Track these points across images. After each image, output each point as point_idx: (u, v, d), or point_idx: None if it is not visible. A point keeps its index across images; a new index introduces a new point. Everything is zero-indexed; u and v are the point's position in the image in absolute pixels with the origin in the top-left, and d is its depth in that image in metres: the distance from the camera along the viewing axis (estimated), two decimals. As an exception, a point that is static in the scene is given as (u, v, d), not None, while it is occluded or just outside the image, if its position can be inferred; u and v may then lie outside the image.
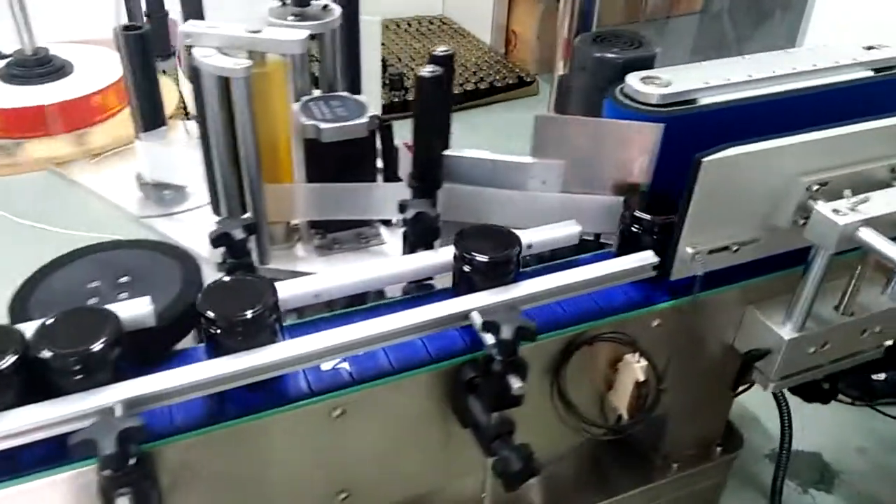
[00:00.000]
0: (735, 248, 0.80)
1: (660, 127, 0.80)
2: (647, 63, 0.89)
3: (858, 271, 0.85)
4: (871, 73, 0.91)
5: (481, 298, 0.70)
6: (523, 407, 0.70)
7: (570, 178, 0.86)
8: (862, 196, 0.76)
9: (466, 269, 0.71)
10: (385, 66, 3.18)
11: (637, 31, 0.92)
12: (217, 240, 0.70)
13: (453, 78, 0.83)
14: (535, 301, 0.74)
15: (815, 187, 0.79)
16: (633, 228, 0.80)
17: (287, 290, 0.69)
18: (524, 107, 3.53)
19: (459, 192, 0.86)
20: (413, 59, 3.38)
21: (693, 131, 0.83)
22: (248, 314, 0.62)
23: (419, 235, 0.78)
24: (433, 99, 0.76)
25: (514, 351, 0.66)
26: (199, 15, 1.08)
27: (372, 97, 1.02)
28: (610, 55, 0.88)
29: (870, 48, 0.94)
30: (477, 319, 0.68)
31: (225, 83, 0.81)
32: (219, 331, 0.62)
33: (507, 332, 0.65)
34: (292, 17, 0.88)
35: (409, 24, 3.68)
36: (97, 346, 0.58)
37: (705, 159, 0.73)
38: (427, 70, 0.75)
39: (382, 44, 3.49)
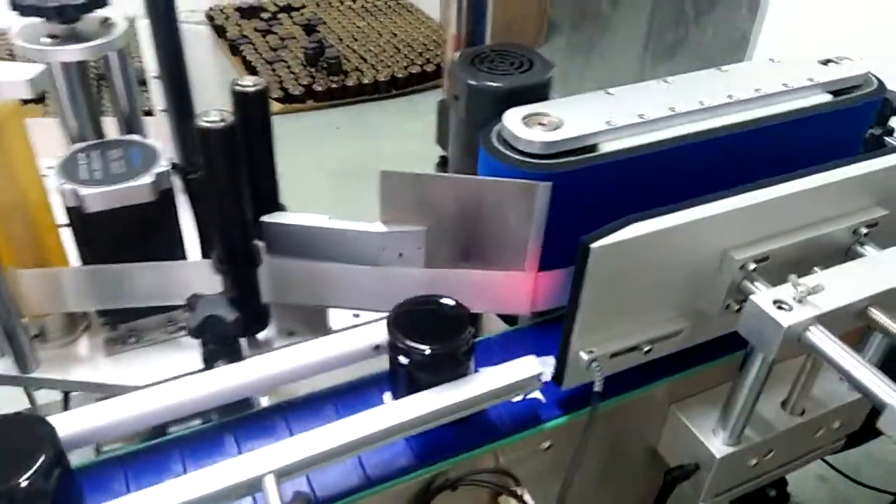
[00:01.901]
0: (647, 347, 0.60)
1: (543, 187, 0.60)
2: (537, 91, 0.68)
3: (810, 362, 0.66)
4: (827, 98, 0.71)
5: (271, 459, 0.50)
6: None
7: (435, 248, 0.65)
8: (813, 281, 0.56)
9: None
10: (322, 49, 2.93)
11: (532, 49, 0.71)
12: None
13: (269, 116, 0.61)
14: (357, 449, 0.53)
15: (752, 266, 0.59)
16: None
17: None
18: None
19: (290, 268, 0.65)
20: (356, 40, 3.12)
21: (592, 190, 0.63)
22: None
23: (216, 344, 0.57)
24: (224, 156, 0.55)
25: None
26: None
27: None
28: (486, 82, 0.67)
29: (827, 62, 0.74)
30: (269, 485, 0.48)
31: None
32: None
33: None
34: (49, 40, 0.65)
35: (354, 0, 3.42)
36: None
37: (595, 245, 0.52)
38: (209, 119, 0.53)
39: (322, 21, 3.26)
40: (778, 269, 0.61)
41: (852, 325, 0.58)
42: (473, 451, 0.58)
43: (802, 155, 0.69)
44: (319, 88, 2.75)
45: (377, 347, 0.61)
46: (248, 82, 0.59)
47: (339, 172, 2.36)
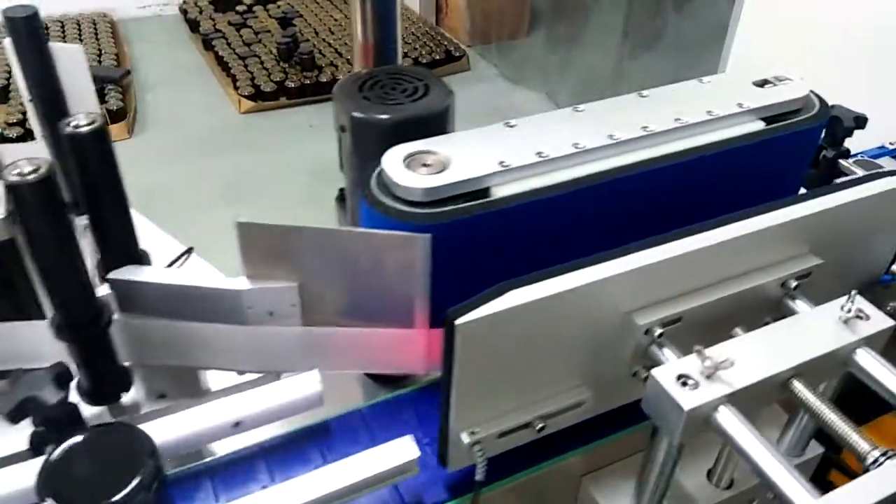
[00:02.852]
0: (540, 424, 0.53)
1: (421, 240, 0.52)
2: (431, 123, 0.60)
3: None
4: (758, 126, 0.63)
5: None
6: None
7: (313, 305, 0.57)
8: (725, 351, 0.48)
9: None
10: (296, 43, 2.84)
11: (429, 72, 0.63)
12: None
13: (112, 155, 0.54)
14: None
15: (658, 331, 0.52)
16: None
17: None
18: (454, 85, 3.18)
19: (148, 328, 0.57)
20: (332, 33, 3.03)
21: (484, 239, 0.55)
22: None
23: (44, 426, 0.50)
24: (42, 213, 0.47)
25: None
26: None
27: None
28: (371, 113, 0.59)
29: (763, 83, 0.66)
30: None
31: None
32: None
33: None
34: None
35: (331, -8, 3.32)
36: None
37: (461, 321, 0.45)
38: (19, 171, 0.46)
39: (299, 14, 3.17)
40: (694, 330, 0.53)
41: (776, 398, 0.51)
42: (339, 543, 0.51)
43: (731, 192, 0.62)
44: (292, 85, 2.66)
45: (237, 424, 0.54)
46: (83, 120, 0.51)
47: (311, 172, 2.28)
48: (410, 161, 0.55)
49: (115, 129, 2.42)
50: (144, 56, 2.92)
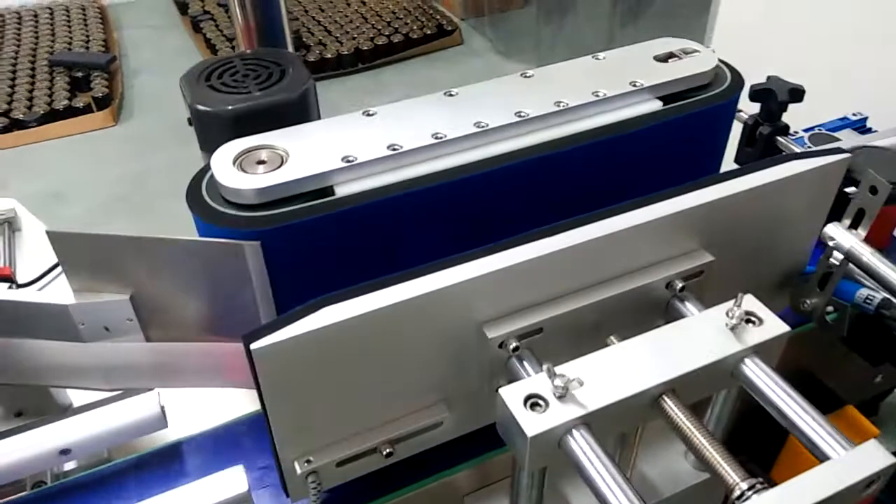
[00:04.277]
0: (387, 449, 0.47)
1: (249, 247, 0.46)
2: (283, 113, 0.54)
3: (636, 433, 0.53)
4: (655, 106, 0.56)
5: None
6: None
7: (155, 318, 0.53)
8: (577, 371, 0.42)
9: None
10: (284, 22, 2.78)
11: (294, 56, 0.57)
12: None
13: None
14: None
15: (513, 344, 0.46)
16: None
17: None
18: (445, 60, 3.11)
19: (-21, 348, 0.53)
20: (322, 11, 2.97)
21: (329, 243, 0.49)
22: None
23: None
24: None
25: None
26: None
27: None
28: (212, 105, 0.53)
29: (668, 57, 0.59)
30: None
31: None
32: None
33: None
34: None
35: (325, -32, 3.24)
36: None
37: (256, 345, 0.39)
38: None
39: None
40: (561, 340, 0.47)
41: (646, 418, 0.45)
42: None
43: (629, 184, 0.55)
44: (281, 65, 2.61)
45: (64, 452, 0.50)
46: None
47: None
48: (244, 159, 0.49)
49: (101, 117, 2.39)
50: (134, 41, 2.89)
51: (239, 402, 0.62)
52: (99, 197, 2.03)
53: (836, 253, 0.53)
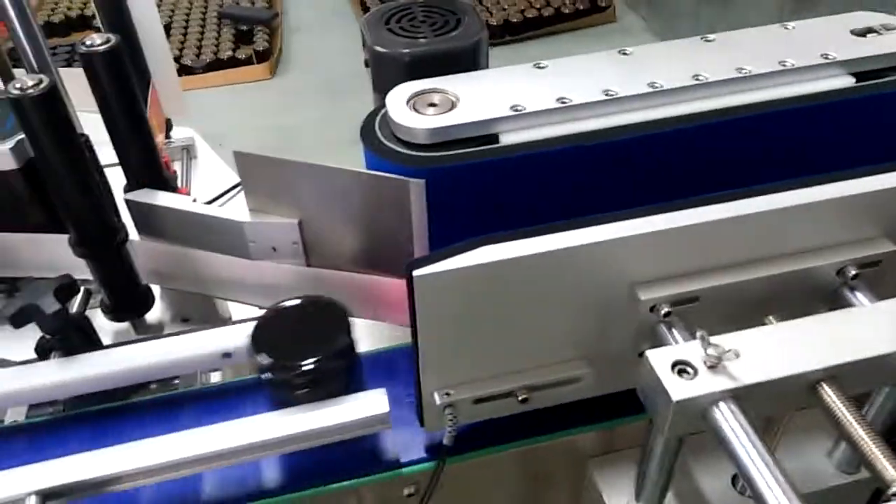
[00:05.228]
0: (523, 395, 0.48)
1: (415, 184, 0.48)
2: (457, 60, 0.55)
3: (779, 427, 0.51)
4: (846, 82, 0.52)
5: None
6: None
7: (316, 245, 0.56)
8: (734, 344, 0.41)
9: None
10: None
11: (470, 6, 0.58)
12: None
13: (129, 79, 0.53)
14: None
15: (665, 309, 0.45)
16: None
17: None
18: (596, 37, 3.03)
19: (160, 252, 0.58)
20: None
21: (491, 189, 0.50)
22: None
23: (52, 335, 0.52)
24: (48, 127, 0.48)
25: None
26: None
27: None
28: (392, 48, 0.55)
29: (866, 32, 0.55)
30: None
31: None
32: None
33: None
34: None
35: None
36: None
37: (419, 272, 0.41)
38: (20, 85, 0.46)
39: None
40: (716, 313, 0.46)
41: (800, 403, 0.43)
42: (305, 490, 0.50)
43: (804, 162, 0.52)
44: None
45: (227, 355, 0.54)
46: (98, 40, 0.52)
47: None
48: (417, 100, 0.51)
49: (260, 69, 2.53)
50: (298, 0, 3.02)
51: (380, 337, 0.65)
52: (252, 144, 2.15)
53: None
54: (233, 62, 2.51)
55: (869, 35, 0.55)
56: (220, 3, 2.78)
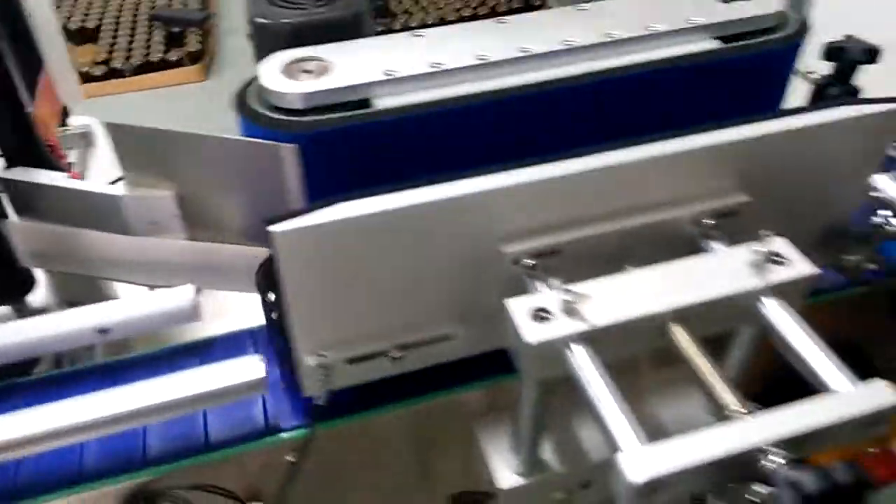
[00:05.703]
0: (397, 354, 0.49)
1: (286, 149, 0.48)
2: (340, 30, 0.56)
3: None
4: (710, 45, 0.55)
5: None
6: None
7: (198, 218, 0.56)
8: (588, 290, 0.43)
9: None
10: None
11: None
12: None
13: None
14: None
15: (528, 262, 0.46)
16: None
17: None
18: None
19: (38, 232, 0.57)
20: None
21: (364, 154, 0.51)
22: None
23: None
24: None
25: None
26: None
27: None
28: (273, 19, 0.55)
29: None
30: None
31: None
32: None
33: None
34: None
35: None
36: None
37: (277, 229, 0.41)
38: None
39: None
40: (581, 264, 0.47)
41: (653, 344, 0.45)
42: (184, 459, 0.50)
43: (671, 124, 0.54)
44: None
45: (103, 331, 0.53)
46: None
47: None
48: (291, 68, 0.51)
49: (192, 71, 2.49)
50: (231, 3, 2.99)
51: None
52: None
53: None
54: (164, 64, 2.46)
55: (734, 2, 0.57)
56: (152, 6, 2.74)
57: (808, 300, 0.60)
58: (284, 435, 0.51)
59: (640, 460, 0.36)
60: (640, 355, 0.55)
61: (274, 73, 0.51)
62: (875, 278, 0.56)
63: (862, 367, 0.67)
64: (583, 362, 0.41)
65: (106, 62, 2.44)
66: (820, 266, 0.58)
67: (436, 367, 0.52)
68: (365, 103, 0.51)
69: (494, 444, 0.54)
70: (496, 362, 0.53)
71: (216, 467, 0.51)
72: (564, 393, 0.46)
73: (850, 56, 0.66)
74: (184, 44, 2.57)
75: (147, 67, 2.45)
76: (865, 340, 0.67)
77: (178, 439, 0.51)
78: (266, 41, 0.56)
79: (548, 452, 0.54)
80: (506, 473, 0.53)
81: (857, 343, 0.68)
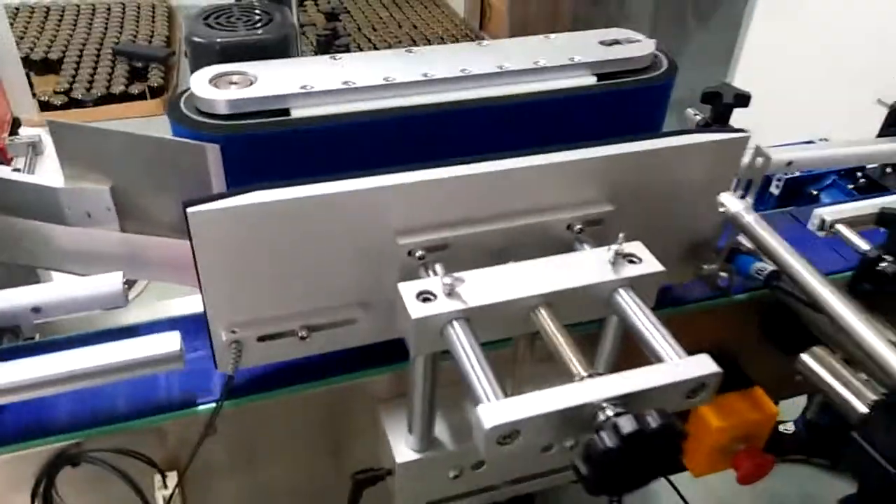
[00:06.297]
0: (303, 333, 0.54)
1: (210, 149, 0.55)
2: (266, 50, 0.63)
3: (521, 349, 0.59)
4: (590, 81, 0.63)
5: None
6: None
7: (129, 211, 0.61)
8: (468, 277, 0.49)
9: None
10: (336, 35, 2.93)
11: (284, 8, 0.66)
12: None
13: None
14: None
15: (420, 253, 0.53)
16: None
17: None
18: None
19: (-18, 222, 0.62)
20: (375, 30, 3.12)
21: (281, 157, 0.57)
22: None
23: None
24: None
25: None
26: None
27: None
28: (206, 38, 0.62)
29: (613, 43, 0.66)
30: None
31: None
32: None
33: None
34: None
35: (382, -8, 3.42)
36: None
37: (193, 210, 0.47)
38: None
39: (346, 10, 3.28)
40: (468, 259, 0.54)
41: (523, 325, 0.51)
42: (102, 426, 0.54)
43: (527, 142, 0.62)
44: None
45: (36, 309, 0.58)
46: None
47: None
48: (219, 80, 0.58)
49: (152, 105, 2.54)
50: (195, 41, 3.08)
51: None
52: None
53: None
54: (125, 97, 2.51)
55: (614, 46, 0.66)
56: (117, 41, 2.80)
57: (682, 309, 0.68)
58: (200, 409, 0.56)
59: (496, 410, 0.42)
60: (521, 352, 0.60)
61: (203, 84, 0.57)
62: (726, 286, 0.63)
63: (736, 375, 0.75)
64: (460, 337, 0.47)
65: (66, 92, 2.48)
66: (687, 275, 0.66)
67: (345, 353, 0.58)
68: (285, 113, 0.57)
69: (395, 424, 0.60)
70: (400, 352, 0.59)
71: (137, 436, 0.56)
72: (455, 381, 0.52)
73: (723, 100, 0.75)
74: (146, 78, 2.63)
75: (108, 99, 2.50)
76: (739, 351, 0.75)
77: (99, 408, 0.55)
78: (200, 58, 0.63)
79: (442, 433, 0.59)
80: (402, 449, 0.58)
81: (733, 353, 0.76)
